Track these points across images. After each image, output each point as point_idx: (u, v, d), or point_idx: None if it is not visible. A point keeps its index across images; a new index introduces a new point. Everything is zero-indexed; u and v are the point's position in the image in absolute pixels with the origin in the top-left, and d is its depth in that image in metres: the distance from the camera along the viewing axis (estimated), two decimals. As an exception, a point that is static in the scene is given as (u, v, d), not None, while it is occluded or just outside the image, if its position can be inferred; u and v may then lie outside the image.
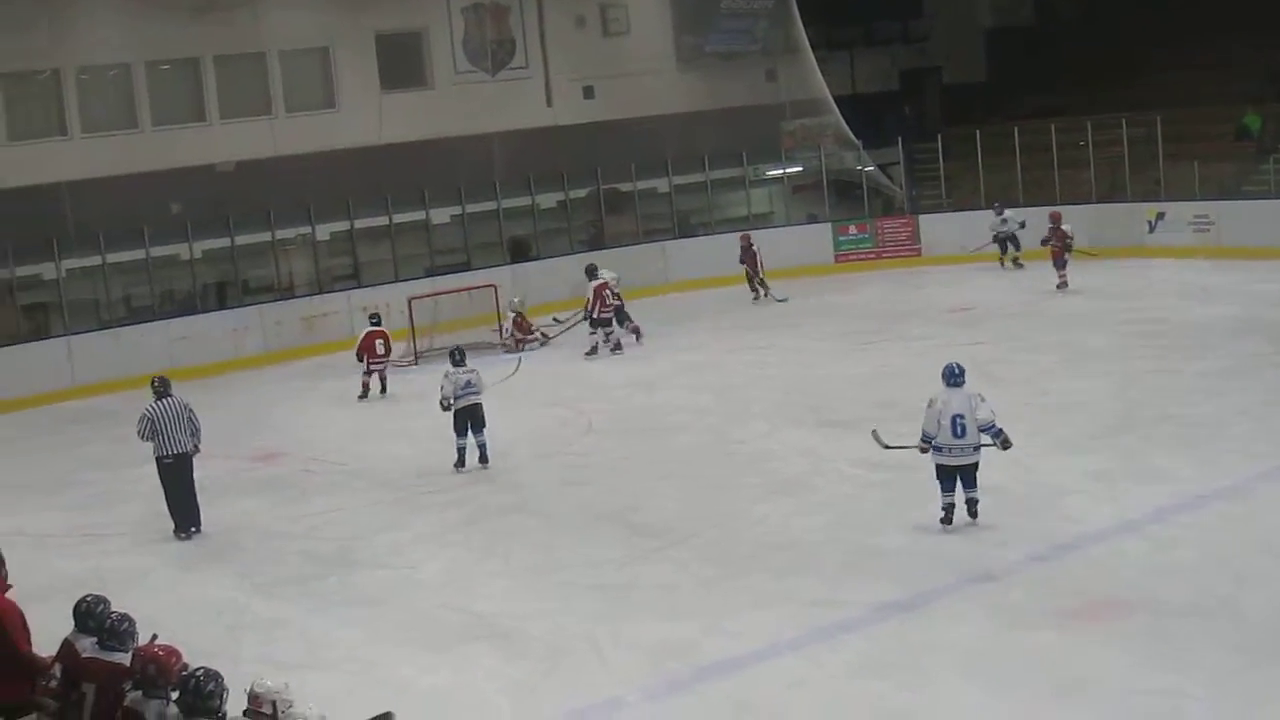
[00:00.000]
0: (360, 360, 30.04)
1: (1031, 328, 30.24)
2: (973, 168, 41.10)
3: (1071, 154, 40.05)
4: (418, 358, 33.05)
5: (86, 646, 11.42)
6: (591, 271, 33.57)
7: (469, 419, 23.18)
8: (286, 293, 38.16)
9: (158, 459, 20.86)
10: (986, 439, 17.65)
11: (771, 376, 28.15)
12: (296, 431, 27.56)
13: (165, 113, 37.79)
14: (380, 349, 30.05)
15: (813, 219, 43.99)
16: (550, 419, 26.38)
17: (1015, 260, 37.12)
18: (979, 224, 38.22)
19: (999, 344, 28.72)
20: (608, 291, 32.64)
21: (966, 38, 50.19)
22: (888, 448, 19.32)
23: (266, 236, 37.71)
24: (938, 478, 17.86)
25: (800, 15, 43.41)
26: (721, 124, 42.76)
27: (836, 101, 43.52)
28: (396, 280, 37.89)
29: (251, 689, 9.53)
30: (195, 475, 20.90)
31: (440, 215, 40.11)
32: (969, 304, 33.49)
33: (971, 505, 17.82)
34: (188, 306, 36.78)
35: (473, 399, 23.30)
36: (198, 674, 9.79)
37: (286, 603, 17.66)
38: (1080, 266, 34.74)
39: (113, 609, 11.50)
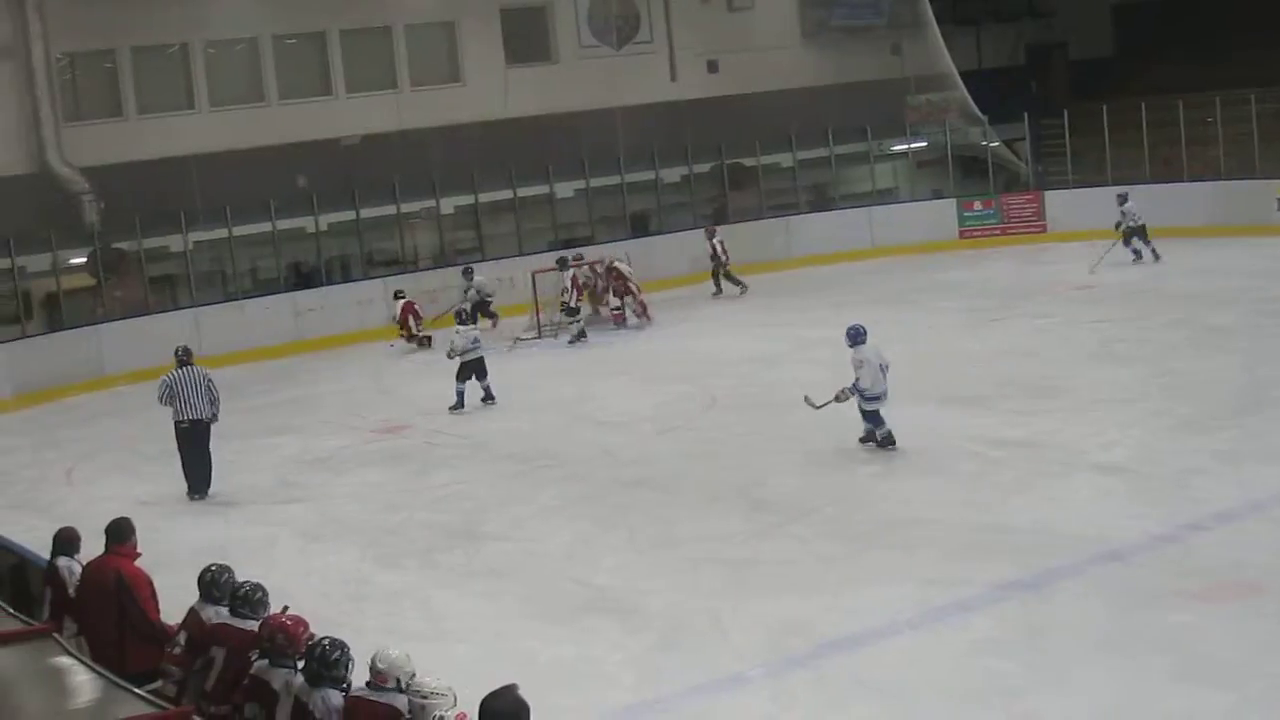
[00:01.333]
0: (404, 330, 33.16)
1: (1156, 306, 29.85)
2: (1099, 144, 40.64)
3: (1200, 130, 39.51)
4: (541, 332, 33.19)
5: (212, 615, 11.59)
6: (563, 263, 33.86)
7: (473, 370, 26.46)
8: (411, 266, 38.39)
9: (175, 423, 22.12)
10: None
11: (893, 352, 27.94)
12: (420, 404, 27.70)
13: (292, 87, 38.16)
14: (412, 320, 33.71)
15: (937, 194, 43.75)
16: (673, 394, 26.39)
17: (1154, 253, 35.14)
18: (1103, 201, 37.81)
19: (1123, 322, 28.44)
20: (583, 282, 33.69)
21: (1094, 12, 49.62)
22: (819, 407, 20.83)
23: (391, 210, 37.98)
24: (873, 420, 20.61)
25: (926, -11, 43.20)
26: (846, 99, 42.56)
27: (962, 76, 43.26)
28: (520, 254, 38.01)
29: (374, 660, 9.60)
30: (328, 444, 21.26)
31: (564, 189, 40.22)
32: (1093, 281, 33.19)
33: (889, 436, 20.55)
34: (313, 279, 37.08)
35: (477, 354, 26.52)
36: (324, 643, 9.87)
37: (410, 574, 17.81)
38: (1205, 244, 34.46)
39: (241, 578, 11.66)
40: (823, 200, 43.49)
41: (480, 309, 33.09)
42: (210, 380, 22.32)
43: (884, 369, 20.44)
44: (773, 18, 44.08)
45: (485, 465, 22.47)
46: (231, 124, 36.74)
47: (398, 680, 9.46)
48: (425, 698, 8.94)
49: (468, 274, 34.90)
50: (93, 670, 6.45)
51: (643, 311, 34.09)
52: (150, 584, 12.61)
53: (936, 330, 29.76)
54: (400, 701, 9.34)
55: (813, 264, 39.44)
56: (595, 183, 40.28)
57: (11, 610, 7.13)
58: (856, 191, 43.80)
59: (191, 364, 22.40)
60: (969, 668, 13.23)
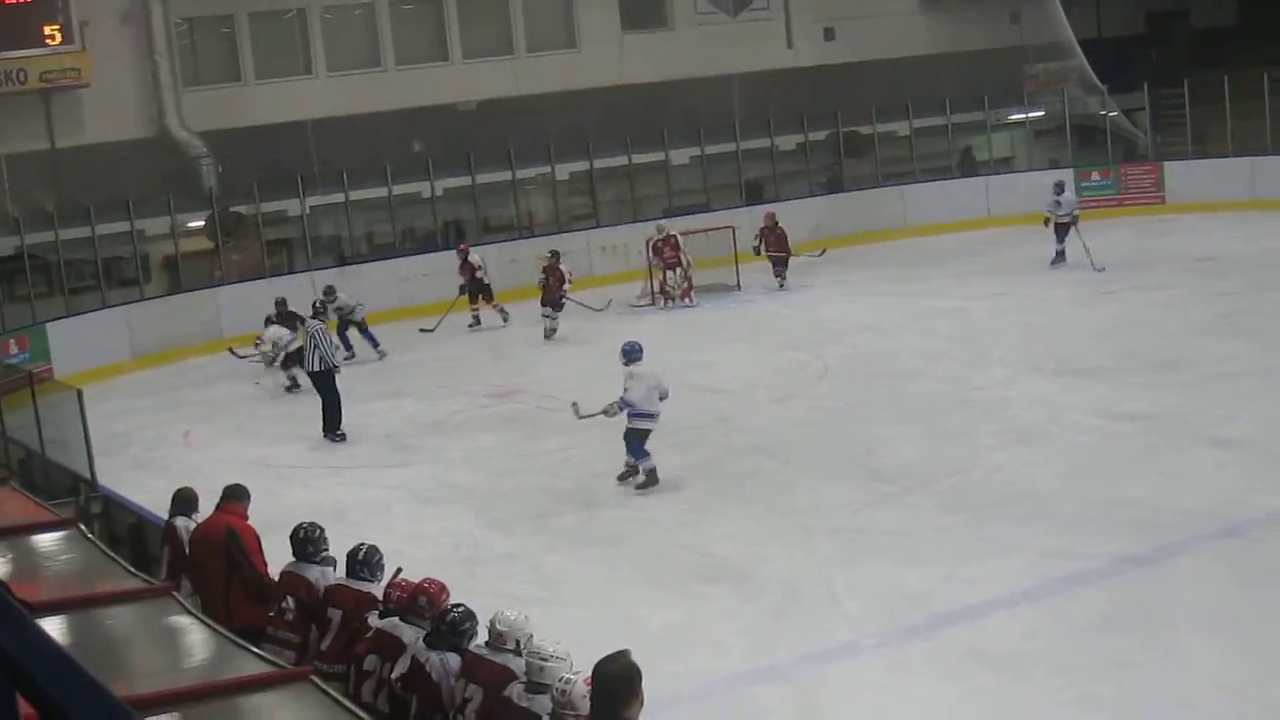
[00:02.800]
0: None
1: (1278, 279, 29.42)
2: (1220, 114, 40.14)
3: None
4: (654, 298, 33.19)
5: (317, 576, 11.74)
6: (555, 256, 32.45)
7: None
8: (526, 231, 38.49)
9: (310, 373, 23.85)
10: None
11: (1010, 324, 27.86)
12: (534, 370, 27.84)
13: (408, 52, 38.44)
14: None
15: (1054, 164, 43.36)
16: (787, 362, 26.37)
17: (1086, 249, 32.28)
18: (1223, 172, 37.41)
19: (1246, 294, 28.05)
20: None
21: (1216, -20, 49.17)
22: (583, 417, 19.71)
23: (507, 176, 38.05)
24: (634, 448, 19.27)
25: (1046, -44, 42.82)
26: (963, 67, 42.29)
27: (1081, 45, 42.93)
28: (635, 220, 38.02)
29: (493, 622, 9.65)
30: (442, 408, 21.94)
31: (679, 156, 40.12)
32: (1214, 253, 32.79)
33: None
34: (428, 244, 37.22)
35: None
36: (457, 610, 10.01)
37: (523, 539, 17.88)
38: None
39: (355, 540, 11.76)
40: (940, 170, 43.19)
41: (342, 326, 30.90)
42: (324, 333, 24.12)
43: (660, 395, 19.16)
44: (891, -15, 43.89)
45: (598, 431, 22.45)
46: (348, 89, 37.02)
47: (516, 642, 9.51)
48: (545, 660, 8.96)
49: (329, 294, 30.71)
50: (211, 628, 6.50)
51: (686, 292, 33.56)
52: (258, 539, 12.77)
53: (1052, 302, 29.53)
54: (517, 664, 9.37)
55: (928, 233, 39.22)
56: (710, 150, 40.15)
57: (132, 569, 7.18)
58: (974, 160, 43.48)
59: (325, 314, 24.61)
60: (1085, 642, 13.13)
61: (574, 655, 8.98)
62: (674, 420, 22.20)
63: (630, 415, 19.11)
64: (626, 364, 19.23)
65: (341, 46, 38.22)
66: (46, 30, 34.28)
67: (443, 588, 10.57)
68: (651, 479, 19.15)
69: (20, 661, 3.18)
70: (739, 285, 34.14)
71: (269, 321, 29.29)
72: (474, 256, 32.65)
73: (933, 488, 18.22)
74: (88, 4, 34.52)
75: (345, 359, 27.72)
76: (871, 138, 42.27)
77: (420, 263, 35.72)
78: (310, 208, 36.16)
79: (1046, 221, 33.47)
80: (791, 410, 23.06)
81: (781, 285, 34.15)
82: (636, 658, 7.85)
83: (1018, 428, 20.55)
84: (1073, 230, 32.72)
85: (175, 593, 7.22)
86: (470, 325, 32.36)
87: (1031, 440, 19.95)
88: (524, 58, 39.47)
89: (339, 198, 36.15)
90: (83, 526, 7.67)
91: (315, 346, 23.68)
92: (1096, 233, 35.76)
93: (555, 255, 32.24)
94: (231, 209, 35.77)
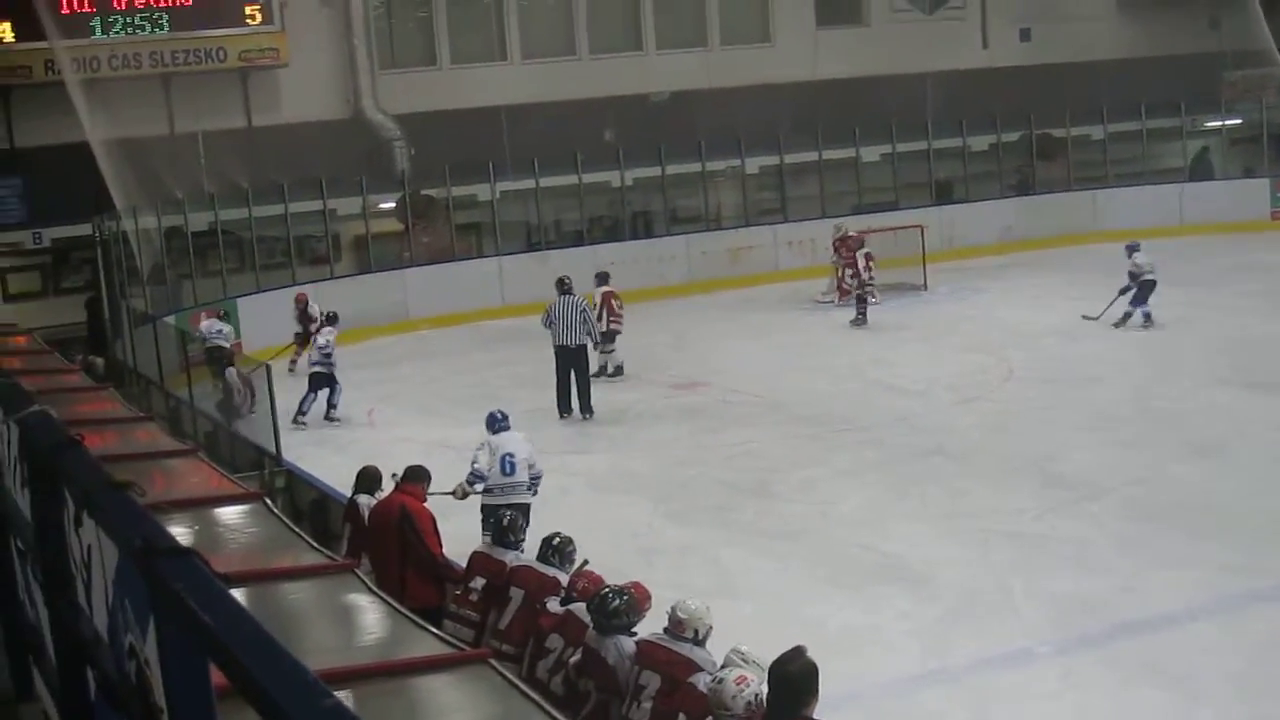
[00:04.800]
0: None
1: None
2: None
3: None
4: (839, 295, 33.19)
5: (512, 559, 11.94)
6: (602, 278, 28.16)
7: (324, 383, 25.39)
8: (714, 224, 38.61)
9: (555, 348, 23.94)
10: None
11: (1197, 334, 27.58)
12: (717, 362, 27.93)
13: (603, 41, 38.66)
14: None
15: (1250, 173, 42.83)
16: (971, 364, 26.29)
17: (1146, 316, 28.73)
18: None
19: None
20: (616, 301, 27.49)
21: None
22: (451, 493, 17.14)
23: (696, 167, 38.16)
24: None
25: (1248, -38, 42.21)
26: (1160, 71, 41.77)
27: (1281, 53, 42.29)
28: (823, 216, 37.90)
29: (674, 610, 9.76)
30: (624, 397, 21.95)
31: (870, 154, 40.00)
32: None
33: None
34: (616, 233, 37.43)
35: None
36: (603, 592, 10.24)
37: (700, 530, 17.96)
38: None
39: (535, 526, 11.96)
40: (1134, 174, 42.70)
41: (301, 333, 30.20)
42: (585, 310, 24.40)
43: (508, 462, 16.73)
44: (1089, -14, 43.53)
45: (780, 426, 22.56)
46: (541, 76, 37.34)
47: (695, 631, 9.63)
48: (746, 661, 9.01)
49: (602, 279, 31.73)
50: (391, 606, 6.66)
51: (849, 291, 32.10)
52: (433, 520, 13.01)
53: (1242, 313, 29.14)
54: (696, 654, 9.50)
55: (1121, 238, 38.70)
56: (901, 148, 40.04)
57: (315, 545, 7.36)
58: (1168, 166, 42.99)
59: (571, 292, 24.43)
60: (1263, 660, 13.04)
61: (754, 651, 9.06)
62: (855, 417, 22.31)
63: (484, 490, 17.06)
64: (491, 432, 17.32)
65: (536, 33, 38.56)
66: (247, 10, 34.98)
67: (647, 595, 10.65)
68: None
69: (219, 635, 3.32)
70: (925, 285, 34.04)
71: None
72: (314, 307, 29.91)
73: (1112, 497, 18.09)
74: (288, -14, 35.18)
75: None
76: (1065, 141, 41.93)
77: (609, 251, 35.89)
78: (500, 193, 36.47)
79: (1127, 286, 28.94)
80: (973, 412, 22.99)
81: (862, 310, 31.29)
82: (811, 655, 7.96)
83: (1200, 439, 20.35)
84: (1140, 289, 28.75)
85: (356, 570, 7.38)
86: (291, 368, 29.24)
87: (1214, 452, 19.74)
88: (717, 50, 39.60)
89: (529, 184, 36.40)
90: (267, 501, 7.85)
91: (585, 322, 24.23)
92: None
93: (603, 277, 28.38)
94: (423, 192, 36.19)
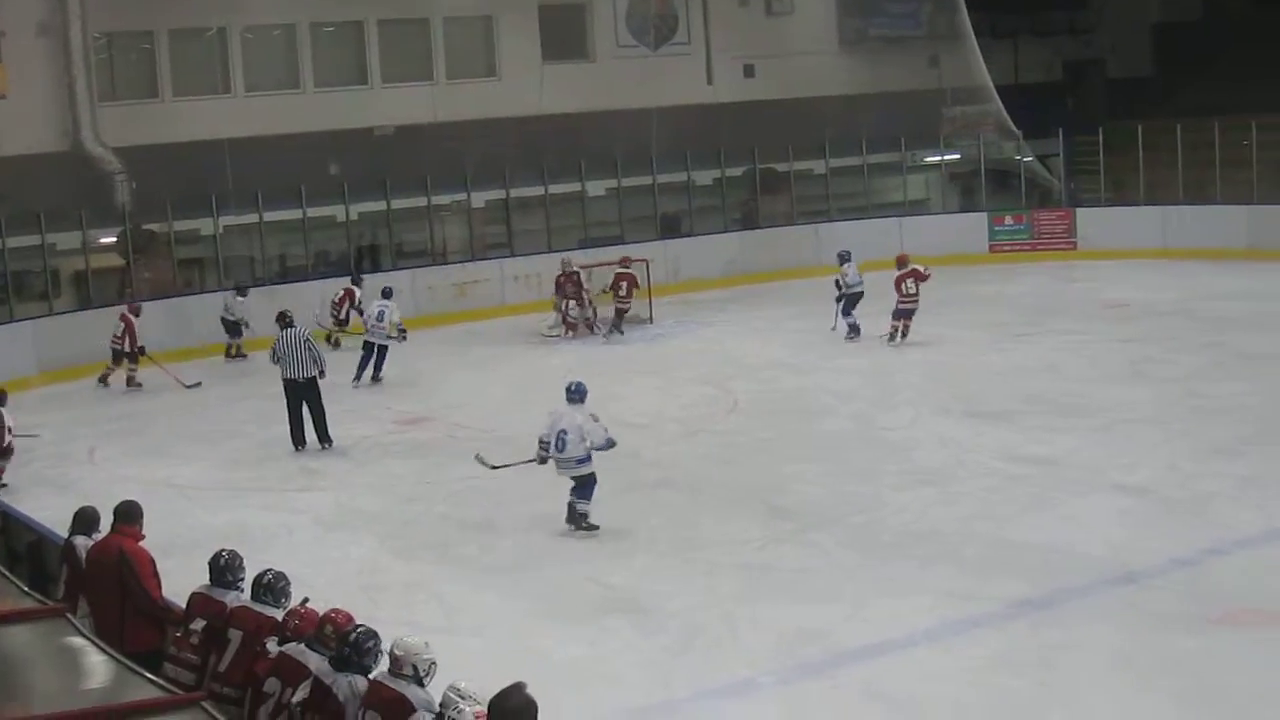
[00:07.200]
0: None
1: (1187, 327, 29.68)
2: (1133, 163, 40.55)
3: (1234, 153, 39.38)
4: (565, 330, 33.23)
5: (233, 600, 11.63)
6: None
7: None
8: (439, 258, 38.43)
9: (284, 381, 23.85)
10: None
11: (919, 364, 28.02)
12: (444, 396, 27.78)
13: (327, 74, 38.34)
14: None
15: (968, 208, 43.73)
16: (698, 396, 26.46)
17: (853, 328, 30.74)
18: (1135, 220, 37.77)
19: (1153, 343, 28.33)
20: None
21: (1133, 31, 49.63)
22: (495, 468, 19.67)
23: (422, 202, 38.03)
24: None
25: (965, 2, 43.07)
26: (881, 108, 42.53)
27: (998, 91, 43.21)
28: (550, 250, 37.92)
29: (392, 648, 9.63)
30: (351, 433, 22.47)
31: (595, 188, 40.14)
32: (1124, 300, 33.11)
33: (570, 510, 18.49)
34: (341, 268, 37.08)
35: None
36: (360, 631, 9.96)
37: (426, 566, 17.83)
38: (1237, 268, 34.58)
39: (259, 565, 11.71)
40: (855, 209, 43.30)
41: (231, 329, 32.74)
42: (309, 341, 24.10)
43: (562, 439, 18.44)
44: (811, 24, 44.13)
45: (506, 460, 22.43)
46: (266, 110, 36.84)
47: (414, 668, 9.49)
48: (461, 697, 8.93)
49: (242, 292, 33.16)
50: (104, 651, 6.45)
51: (574, 324, 33.60)
52: (152, 562, 12.62)
53: (962, 344, 29.71)
54: (413, 692, 9.35)
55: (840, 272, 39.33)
56: (627, 182, 40.25)
57: (26, 589, 7.11)
58: (889, 201, 43.73)
59: (293, 326, 24.22)
60: (981, 684, 13.22)
61: (471, 687, 8.95)
62: (582, 451, 22.18)
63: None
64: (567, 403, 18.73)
65: (260, 66, 38.05)
66: (-38, 40, 34.05)
67: (350, 618, 10.50)
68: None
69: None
70: (651, 318, 34.17)
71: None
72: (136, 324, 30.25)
73: (836, 526, 18.26)
74: (5, 15, 34.12)
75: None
76: (788, 175, 42.43)
77: (333, 286, 35.45)
78: (223, 228, 35.93)
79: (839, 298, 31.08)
80: (699, 445, 23.11)
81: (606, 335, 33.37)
82: (534, 690, 7.84)
83: (922, 468, 20.64)
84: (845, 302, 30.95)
85: (70, 614, 7.15)
86: (100, 382, 30.49)
87: (935, 481, 20.01)
88: (443, 84, 39.40)
89: (253, 218, 35.91)
90: (-20, 544, 7.61)
91: (310, 352, 23.88)
92: (1009, 278, 36.16)
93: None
94: (144, 226, 35.49)
